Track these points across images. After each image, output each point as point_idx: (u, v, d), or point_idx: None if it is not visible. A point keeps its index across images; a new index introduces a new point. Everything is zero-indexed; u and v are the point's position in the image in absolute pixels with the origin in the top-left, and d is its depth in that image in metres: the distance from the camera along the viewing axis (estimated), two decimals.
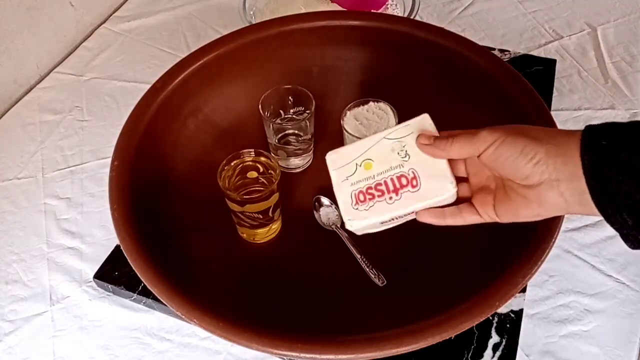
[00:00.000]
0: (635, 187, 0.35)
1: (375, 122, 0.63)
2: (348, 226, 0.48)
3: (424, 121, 0.48)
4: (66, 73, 0.94)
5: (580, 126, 0.37)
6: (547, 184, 0.39)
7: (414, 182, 0.46)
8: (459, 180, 0.47)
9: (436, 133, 0.47)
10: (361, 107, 0.66)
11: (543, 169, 0.39)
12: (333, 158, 0.50)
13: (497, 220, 0.45)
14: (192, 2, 1.06)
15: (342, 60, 0.75)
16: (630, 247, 0.38)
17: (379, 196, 0.47)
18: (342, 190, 0.48)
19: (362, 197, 0.47)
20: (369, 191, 0.47)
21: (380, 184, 0.47)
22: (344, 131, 0.63)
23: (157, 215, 0.58)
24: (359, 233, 0.49)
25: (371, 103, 0.67)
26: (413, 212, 0.47)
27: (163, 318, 0.64)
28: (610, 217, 0.37)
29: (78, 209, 0.74)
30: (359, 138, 0.51)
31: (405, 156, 0.48)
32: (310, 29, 0.73)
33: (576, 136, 0.38)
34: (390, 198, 0.47)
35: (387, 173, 0.47)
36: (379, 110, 0.67)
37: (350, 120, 0.63)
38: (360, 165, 0.48)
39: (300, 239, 0.66)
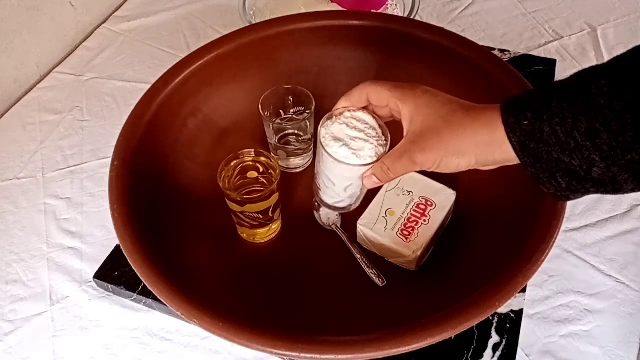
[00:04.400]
0: (563, 152, 0.38)
1: (364, 143, 0.50)
2: (414, 257, 0.58)
3: None
4: (66, 73, 0.94)
5: None
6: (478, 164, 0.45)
7: (429, 203, 0.62)
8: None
9: (415, 176, 0.63)
10: (337, 121, 0.51)
11: (479, 165, 0.44)
12: (364, 223, 0.61)
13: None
14: (192, 2, 1.06)
15: (342, 60, 0.75)
16: (562, 201, 0.44)
17: (416, 224, 0.60)
18: (390, 238, 0.60)
19: (406, 233, 0.60)
20: (407, 226, 0.60)
21: (410, 218, 0.61)
22: (324, 154, 0.50)
23: (157, 215, 0.58)
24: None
25: (347, 114, 0.51)
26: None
27: (163, 318, 0.64)
28: (546, 184, 0.41)
29: (78, 209, 0.74)
30: (347, 164, 0.49)
31: (409, 193, 0.63)
32: (310, 29, 0.73)
33: (499, 123, 0.41)
34: (425, 221, 0.61)
35: (408, 208, 0.62)
36: (360, 124, 0.51)
37: (331, 142, 0.50)
38: (387, 215, 0.61)
39: (300, 239, 0.66)
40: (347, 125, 0.50)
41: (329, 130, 0.51)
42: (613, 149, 0.36)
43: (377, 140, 0.50)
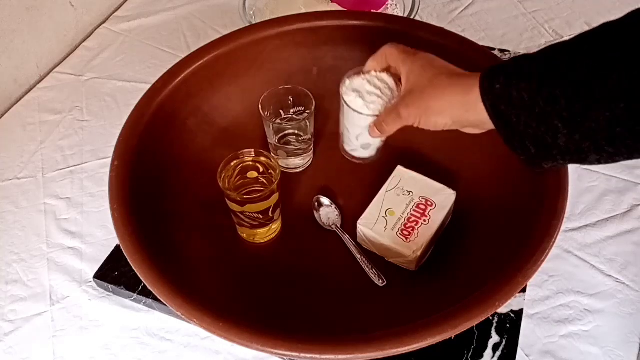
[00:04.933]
0: (530, 117, 0.41)
1: (377, 99, 0.57)
2: (414, 257, 0.58)
3: (401, 171, 0.64)
4: (66, 73, 0.94)
5: None
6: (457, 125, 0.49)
7: (429, 203, 0.62)
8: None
9: (415, 176, 0.64)
10: (362, 77, 0.58)
11: (456, 125, 0.49)
12: (363, 223, 0.61)
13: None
14: (192, 2, 1.06)
15: (342, 60, 0.75)
16: (537, 171, 0.46)
17: (416, 224, 0.60)
18: (390, 238, 0.59)
19: (406, 233, 0.60)
20: (407, 227, 0.60)
21: (410, 218, 0.61)
22: (343, 102, 0.58)
23: (157, 215, 0.58)
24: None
25: (373, 73, 0.58)
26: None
27: (163, 318, 0.64)
28: (517, 148, 0.44)
29: (78, 209, 0.74)
30: (358, 112, 0.56)
31: (409, 193, 0.62)
32: (310, 29, 0.73)
33: (475, 87, 0.44)
34: (425, 221, 0.60)
35: (408, 208, 0.61)
36: (380, 83, 0.58)
37: (350, 92, 0.58)
38: (386, 215, 0.61)
39: (300, 239, 0.66)
40: (369, 82, 0.57)
41: (352, 82, 0.58)
42: (572, 116, 0.39)
43: (390, 99, 0.56)
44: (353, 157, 0.63)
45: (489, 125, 0.45)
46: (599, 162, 0.41)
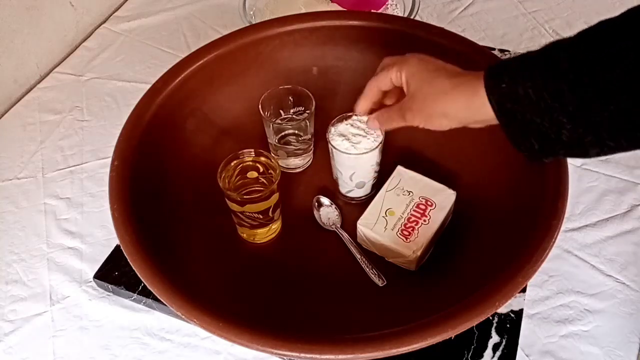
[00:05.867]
0: (535, 113, 0.42)
1: (363, 138, 0.61)
2: (414, 257, 0.58)
3: (401, 171, 0.64)
4: (66, 73, 0.94)
5: None
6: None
7: (429, 203, 0.62)
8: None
9: (415, 176, 0.64)
10: (345, 122, 0.62)
11: (456, 122, 0.49)
12: (363, 223, 0.61)
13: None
14: (192, 2, 1.06)
15: (342, 60, 0.75)
16: (536, 163, 0.47)
17: (416, 224, 0.60)
18: (390, 238, 0.59)
19: (406, 233, 0.59)
20: (407, 227, 0.60)
21: (410, 218, 0.60)
22: (332, 147, 0.61)
23: (157, 215, 0.58)
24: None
25: (354, 117, 0.62)
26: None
27: (163, 318, 0.64)
28: (521, 144, 0.45)
29: (78, 209, 0.74)
30: (347, 154, 0.60)
31: (409, 193, 0.62)
32: (310, 29, 0.73)
33: (480, 89, 0.45)
34: (425, 221, 0.60)
35: (408, 208, 0.61)
36: (362, 124, 0.62)
37: (336, 137, 0.61)
38: (386, 215, 0.61)
39: (300, 239, 0.66)
40: (352, 125, 0.62)
41: (337, 128, 0.62)
42: (577, 109, 0.40)
43: (373, 137, 0.61)
44: (352, 198, 0.67)
45: (494, 122, 0.46)
46: (597, 155, 0.43)
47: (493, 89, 0.44)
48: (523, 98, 0.42)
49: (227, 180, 0.60)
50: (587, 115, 0.40)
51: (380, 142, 0.61)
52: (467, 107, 0.47)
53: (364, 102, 0.58)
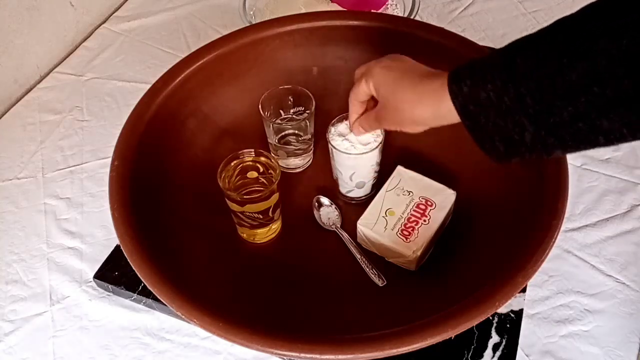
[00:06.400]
0: (498, 115, 0.42)
1: (362, 137, 0.61)
2: (414, 257, 0.59)
3: (401, 171, 0.64)
4: (66, 73, 0.94)
5: None
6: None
7: (429, 203, 0.62)
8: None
9: (415, 176, 0.64)
10: (345, 122, 0.62)
11: (435, 125, 0.49)
12: (363, 223, 0.61)
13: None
14: (192, 2, 1.06)
15: (342, 60, 0.75)
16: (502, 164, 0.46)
17: (416, 224, 0.60)
18: (390, 238, 0.59)
19: (406, 233, 0.59)
20: (407, 227, 0.60)
21: (410, 218, 0.61)
22: (332, 147, 0.62)
23: (157, 215, 0.58)
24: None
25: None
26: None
27: (163, 318, 0.64)
28: (487, 148, 0.45)
29: (78, 209, 0.74)
30: (347, 154, 0.61)
31: (409, 193, 0.62)
32: (310, 29, 0.73)
33: (444, 94, 0.45)
34: (425, 221, 0.60)
35: (408, 208, 0.61)
36: None
37: (336, 137, 0.62)
38: (386, 215, 0.61)
39: (300, 239, 0.66)
40: None
41: (337, 128, 0.63)
42: (538, 112, 0.40)
43: (372, 136, 0.61)
44: (352, 198, 0.67)
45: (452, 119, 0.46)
46: (563, 154, 0.45)
47: (457, 93, 0.44)
48: (485, 100, 0.42)
49: (227, 180, 0.60)
50: (547, 118, 0.40)
51: (380, 142, 0.61)
52: (435, 114, 0.47)
53: (354, 118, 0.59)
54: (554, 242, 0.50)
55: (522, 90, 0.40)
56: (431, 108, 0.47)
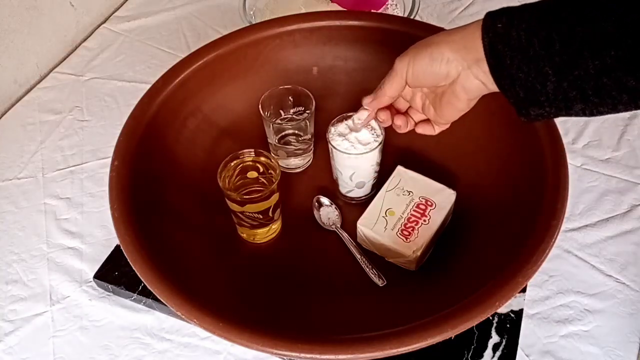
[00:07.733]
0: (524, 61, 0.41)
1: (362, 136, 0.61)
2: (414, 257, 0.58)
3: (401, 171, 0.64)
4: (66, 73, 0.94)
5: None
6: (463, 73, 0.47)
7: (429, 203, 0.61)
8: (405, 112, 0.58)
9: (415, 176, 0.64)
10: (345, 122, 0.62)
11: (455, 63, 0.47)
12: (363, 223, 0.61)
13: (443, 122, 0.54)
14: (192, 2, 1.06)
15: (342, 60, 0.75)
16: (524, 120, 0.45)
17: (416, 224, 0.60)
18: (390, 238, 0.59)
19: (406, 233, 0.59)
20: (407, 227, 0.60)
21: (410, 218, 0.60)
22: (332, 147, 0.62)
23: (157, 215, 0.58)
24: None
25: (354, 117, 0.62)
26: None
27: (163, 318, 0.64)
28: (507, 91, 0.44)
29: (78, 209, 0.74)
30: (347, 153, 0.60)
31: (409, 193, 0.62)
32: (310, 29, 0.73)
33: (477, 25, 0.44)
34: (425, 221, 0.60)
35: (408, 208, 0.61)
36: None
37: (336, 137, 0.61)
38: (386, 215, 0.61)
39: (300, 239, 0.66)
40: (351, 126, 0.62)
41: (337, 128, 0.62)
42: (564, 62, 0.40)
43: (372, 137, 0.61)
44: (352, 198, 0.67)
45: (482, 70, 0.45)
46: (583, 113, 0.42)
47: (489, 27, 0.44)
48: (515, 41, 0.42)
49: (227, 180, 0.60)
50: (571, 69, 0.40)
51: (380, 142, 0.61)
52: (460, 48, 0.46)
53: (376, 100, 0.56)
54: (554, 242, 0.50)
55: (553, 35, 0.40)
56: (460, 40, 0.46)
